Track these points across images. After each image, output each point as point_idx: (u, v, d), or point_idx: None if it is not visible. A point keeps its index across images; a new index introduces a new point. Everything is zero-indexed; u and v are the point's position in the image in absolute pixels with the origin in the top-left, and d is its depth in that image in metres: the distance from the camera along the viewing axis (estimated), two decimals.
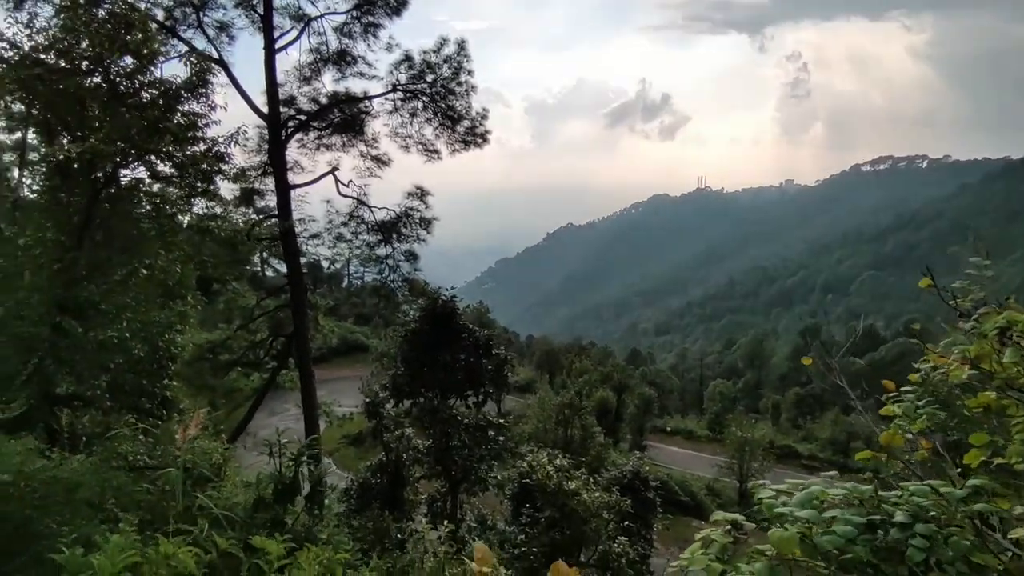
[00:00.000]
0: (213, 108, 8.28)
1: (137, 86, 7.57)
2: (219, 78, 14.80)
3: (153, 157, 7.76)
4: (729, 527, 2.44)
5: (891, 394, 2.55)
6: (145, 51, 7.27)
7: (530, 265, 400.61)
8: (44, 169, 8.10)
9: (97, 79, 7.35)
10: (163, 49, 9.59)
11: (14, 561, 4.19)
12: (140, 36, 7.18)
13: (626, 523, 12.41)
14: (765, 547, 2.12)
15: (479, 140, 18.15)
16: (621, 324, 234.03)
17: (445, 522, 9.63)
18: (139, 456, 5.63)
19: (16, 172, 24.56)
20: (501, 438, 13.72)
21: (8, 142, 24.01)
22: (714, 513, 2.55)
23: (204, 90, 8.04)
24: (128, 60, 7.47)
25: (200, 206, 9.75)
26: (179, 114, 7.79)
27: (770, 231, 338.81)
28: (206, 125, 8.08)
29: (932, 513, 2.09)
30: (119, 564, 3.31)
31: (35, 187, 12.25)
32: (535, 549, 11.50)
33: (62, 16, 7.04)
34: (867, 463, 2.67)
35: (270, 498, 5.60)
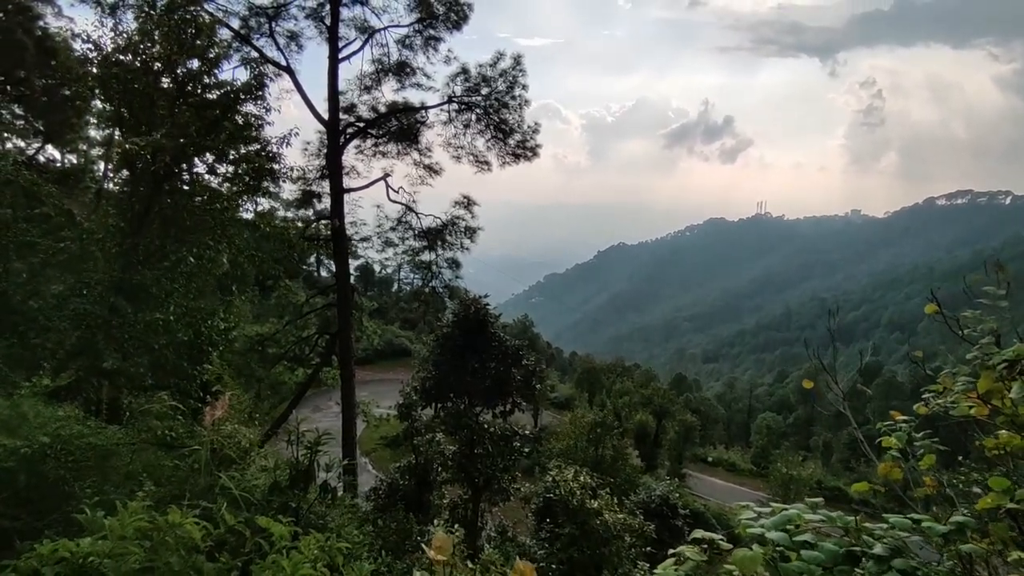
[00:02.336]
0: (269, 110, 8.76)
1: (201, 87, 8.11)
2: (285, 84, 15.68)
3: (209, 154, 8.28)
4: (706, 546, 2.36)
5: (887, 423, 2.39)
6: (211, 55, 7.80)
7: (579, 281, 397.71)
8: (114, 161, 8.77)
9: (167, 80, 7.94)
10: (229, 53, 10.20)
11: (47, 518, 4.51)
12: (207, 41, 7.72)
13: (649, 549, 12.03)
14: (733, 568, 2.03)
15: (529, 153, 18.39)
16: (668, 348, 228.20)
17: (456, 526, 9.63)
18: (167, 432, 5.94)
19: (102, 165, 26.70)
20: (526, 449, 13.63)
21: (98, 138, 26.17)
22: (694, 532, 2.46)
23: (261, 93, 8.52)
24: (195, 63, 8.03)
25: (255, 204, 10.32)
26: (238, 115, 8.28)
27: (832, 262, 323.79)
28: (260, 126, 8.56)
29: (922, 549, 1.95)
30: (128, 527, 3.52)
31: (117, 179, 13.21)
32: (554, 566, 11.31)
33: (139, 20, 7.69)
34: (865, 495, 2.51)
35: (285, 483, 5.79)
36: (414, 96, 18.18)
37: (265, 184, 9.11)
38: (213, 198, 8.44)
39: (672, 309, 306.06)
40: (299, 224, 18.64)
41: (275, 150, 8.87)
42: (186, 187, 8.67)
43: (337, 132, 17.15)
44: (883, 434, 2.40)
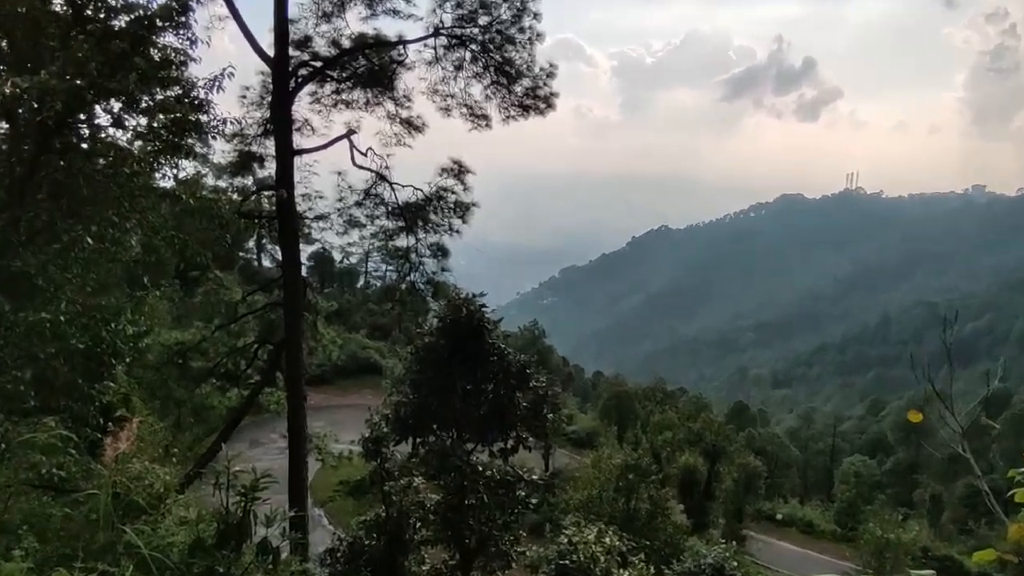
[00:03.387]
0: (195, 43, 8.75)
1: (104, 11, 8.11)
2: (218, 8, 15.60)
3: (115, 100, 8.29)
4: None
5: (1020, 471, 2.35)
6: None
7: (606, 277, 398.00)
8: None
9: (59, 1, 7.94)
10: None
11: None
12: None
13: None
14: None
15: (542, 104, 18.36)
16: (724, 367, 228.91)
17: None
18: (54, 471, 5.96)
19: None
20: (534, 500, 13.63)
21: None
22: None
23: (185, 20, 8.51)
24: None
25: (175, 168, 10.30)
26: (153, 48, 8.29)
27: (946, 254, 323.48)
28: (184, 64, 8.56)
29: None
30: None
31: None
32: None
33: None
34: (990, 567, 2.49)
35: (211, 541, 5.80)
36: (389, 27, 18.06)
37: (189, 142, 9.09)
38: (120, 160, 8.41)
39: (731, 315, 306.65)
40: (234, 196, 18.65)
41: (203, 96, 8.84)
42: (84, 144, 8.65)
43: (286, 74, 17.11)
44: (1015, 485, 2.37)
